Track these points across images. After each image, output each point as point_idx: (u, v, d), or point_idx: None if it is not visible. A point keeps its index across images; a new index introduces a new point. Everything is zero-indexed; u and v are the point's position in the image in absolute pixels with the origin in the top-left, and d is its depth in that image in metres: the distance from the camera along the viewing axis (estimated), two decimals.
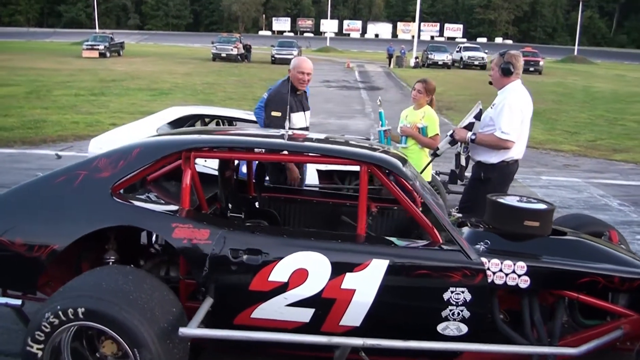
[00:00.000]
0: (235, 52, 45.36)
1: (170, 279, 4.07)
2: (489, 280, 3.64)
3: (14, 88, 22.05)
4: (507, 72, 5.45)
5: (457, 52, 50.99)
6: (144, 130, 8.01)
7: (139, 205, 3.88)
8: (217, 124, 8.81)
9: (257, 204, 5.00)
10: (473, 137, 5.46)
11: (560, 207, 9.22)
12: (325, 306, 3.61)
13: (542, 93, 27.37)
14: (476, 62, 48.27)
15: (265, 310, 3.63)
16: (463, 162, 5.65)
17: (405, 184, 4.17)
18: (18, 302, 3.89)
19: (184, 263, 3.86)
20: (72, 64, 35.99)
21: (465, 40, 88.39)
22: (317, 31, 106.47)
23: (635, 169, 12.88)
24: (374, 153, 4.01)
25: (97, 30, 62.53)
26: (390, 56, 48.93)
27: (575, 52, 71.66)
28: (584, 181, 11.27)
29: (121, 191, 3.89)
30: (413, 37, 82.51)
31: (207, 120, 8.50)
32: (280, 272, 3.59)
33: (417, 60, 49.14)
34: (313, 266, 3.58)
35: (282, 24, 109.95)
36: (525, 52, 48.05)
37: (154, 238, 4.72)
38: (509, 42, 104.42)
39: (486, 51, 50.92)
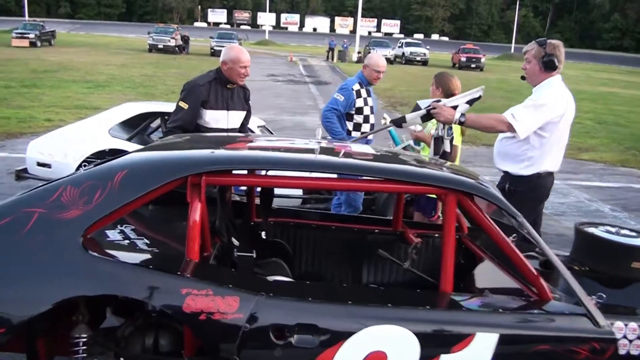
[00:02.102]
0: (173, 43, 43.92)
1: (163, 356, 2.82)
2: None
3: None
4: (550, 65, 4.48)
5: (399, 47, 50.74)
6: (93, 130, 6.87)
7: (125, 260, 2.67)
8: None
9: (263, 233, 3.80)
10: (462, 118, 4.41)
11: (554, 214, 8.52)
12: None
13: (489, 89, 26.88)
14: (418, 58, 48.17)
15: None
16: (447, 148, 4.58)
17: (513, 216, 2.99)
18: None
19: (194, 341, 2.70)
20: (1, 53, 33.81)
21: (402, 36, 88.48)
22: (254, 24, 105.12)
23: (606, 169, 12.58)
24: (462, 177, 2.97)
25: (26, 18, 59.61)
26: (331, 50, 48.21)
27: (512, 50, 72.51)
28: (562, 183, 10.64)
29: (93, 235, 2.70)
30: (351, 31, 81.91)
31: (167, 118, 7.34)
32: (347, 358, 2.52)
33: (360, 54, 48.57)
34: (394, 347, 2.53)
35: (218, 15, 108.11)
36: (466, 49, 48.47)
37: None
38: (445, 38, 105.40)
39: (428, 47, 50.97)
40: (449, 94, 5.34)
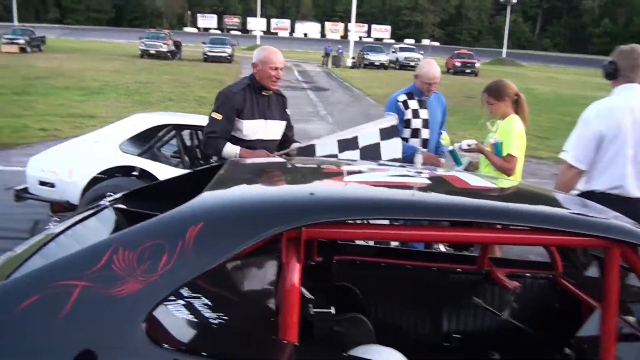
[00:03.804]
0: (165, 48, 43.26)
1: None
2: None
3: None
4: (606, 74, 4.11)
5: (393, 52, 50.37)
6: (101, 145, 6.26)
7: (203, 349, 1.87)
8: (192, 136, 7.09)
9: (329, 277, 3.13)
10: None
11: None
12: None
13: None
14: (412, 63, 47.56)
15: None
16: None
17: None
18: None
19: None
20: None
21: (393, 41, 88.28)
22: (244, 29, 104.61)
23: None
24: (627, 225, 2.30)
25: (16, 23, 58.80)
26: (327, 55, 47.77)
27: (504, 55, 72.30)
28: None
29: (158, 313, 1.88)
30: (342, 37, 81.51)
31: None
32: None
33: (354, 60, 48.21)
34: None
35: (208, 20, 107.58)
36: (460, 54, 48.14)
37: None
38: (436, 44, 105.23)
39: (421, 52, 50.59)
40: (515, 99, 4.88)
